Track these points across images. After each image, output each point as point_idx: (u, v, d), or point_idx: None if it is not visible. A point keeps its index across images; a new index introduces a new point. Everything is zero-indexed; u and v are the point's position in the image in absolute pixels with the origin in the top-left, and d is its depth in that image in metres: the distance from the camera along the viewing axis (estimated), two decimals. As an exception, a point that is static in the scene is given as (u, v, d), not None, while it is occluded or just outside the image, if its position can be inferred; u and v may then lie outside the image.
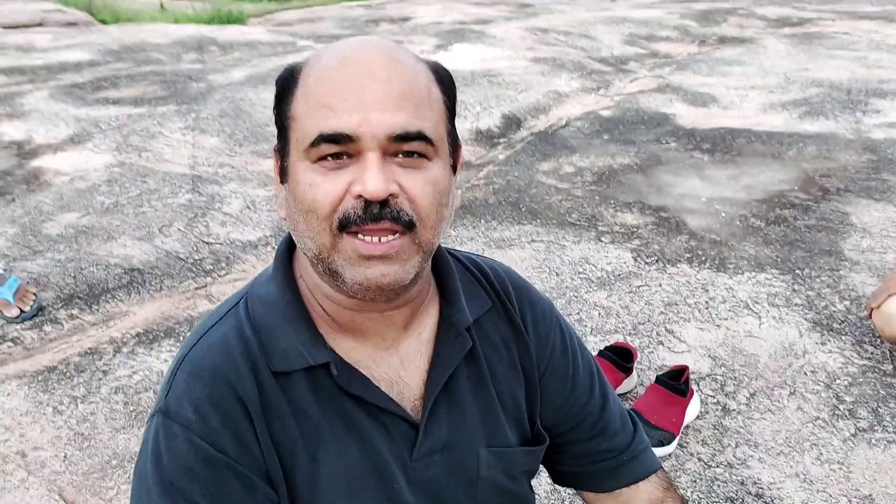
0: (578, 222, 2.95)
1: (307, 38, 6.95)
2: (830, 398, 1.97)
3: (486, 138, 3.98)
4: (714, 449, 1.82)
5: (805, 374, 2.06)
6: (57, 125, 3.92)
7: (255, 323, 0.82)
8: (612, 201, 3.14)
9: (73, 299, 2.44)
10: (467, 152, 3.82)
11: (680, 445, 1.83)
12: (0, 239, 2.70)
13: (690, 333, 2.25)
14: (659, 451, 1.75)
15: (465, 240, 2.79)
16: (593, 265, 2.61)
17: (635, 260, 2.65)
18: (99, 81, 4.78)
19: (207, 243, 2.79)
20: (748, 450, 1.81)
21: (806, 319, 2.29)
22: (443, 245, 0.88)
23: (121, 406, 1.96)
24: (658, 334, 2.24)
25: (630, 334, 2.24)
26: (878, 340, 2.17)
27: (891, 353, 2.12)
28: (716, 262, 2.64)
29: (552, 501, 1.66)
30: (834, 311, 2.33)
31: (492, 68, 5.06)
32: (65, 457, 1.79)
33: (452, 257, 0.94)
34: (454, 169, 0.81)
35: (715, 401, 1.97)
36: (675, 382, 1.87)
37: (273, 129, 0.84)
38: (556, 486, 1.68)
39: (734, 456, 1.79)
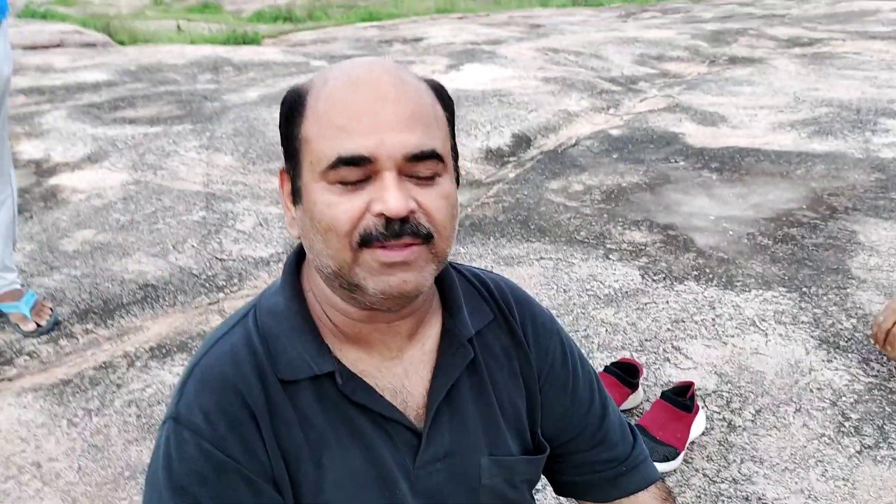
0: (587, 240, 2.98)
1: (321, 58, 7.04)
2: (836, 415, 1.98)
3: (496, 157, 4.02)
4: (719, 465, 1.83)
5: (811, 391, 2.07)
6: (75, 144, 4.00)
7: (263, 333, 0.85)
8: (620, 219, 3.17)
9: (88, 314, 2.49)
10: (477, 171, 3.86)
11: (685, 461, 1.84)
12: (18, 255, 2.75)
13: (697, 350, 2.26)
14: (664, 467, 1.77)
15: (475, 257, 2.82)
16: (601, 282, 2.63)
17: (643, 277, 2.67)
18: (116, 101, 4.87)
19: (220, 260, 2.84)
20: (753, 466, 1.82)
21: (812, 337, 2.30)
22: (451, 262, 0.92)
23: (134, 419, 1.99)
24: (665, 351, 2.26)
25: (637, 351, 2.25)
26: (885, 358, 2.17)
27: (897, 370, 2.13)
28: (723, 279, 2.65)
29: (557, 515, 1.68)
30: (840, 329, 2.34)
31: (502, 88, 5.11)
32: (79, 468, 1.82)
33: (455, 271, 0.97)
34: (457, 178, 0.84)
35: (721, 417, 1.99)
36: (681, 398, 1.88)
37: (283, 149, 0.87)
38: (563, 501, 1.70)
39: (739, 472, 1.80)
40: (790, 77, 5.79)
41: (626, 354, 2.22)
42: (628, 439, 1.06)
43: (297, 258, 0.89)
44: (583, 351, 2.21)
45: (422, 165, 0.75)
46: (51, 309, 2.45)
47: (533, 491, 1.02)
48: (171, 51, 7.20)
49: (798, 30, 8.59)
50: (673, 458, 1.79)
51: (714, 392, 2.08)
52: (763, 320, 2.40)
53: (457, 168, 0.84)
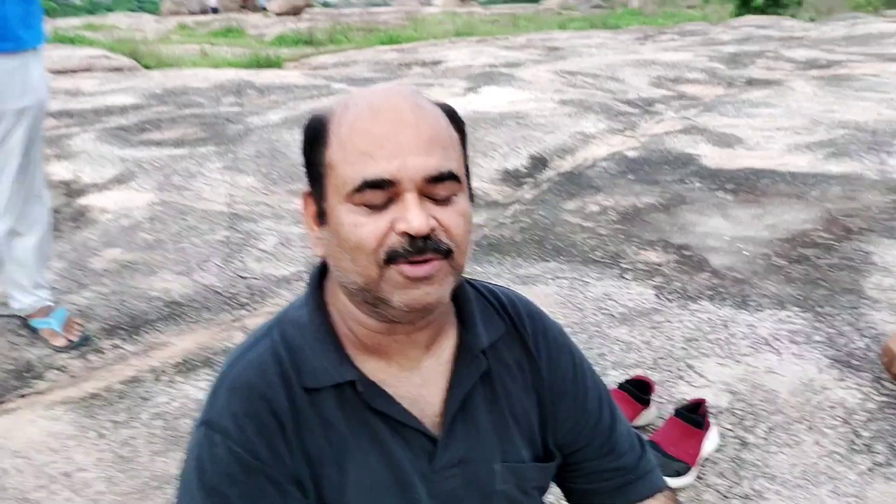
0: (602, 260, 3.02)
1: (341, 81, 7.17)
2: (848, 433, 2.00)
3: (513, 178, 4.08)
4: (732, 481, 1.86)
5: (823, 409, 2.10)
6: (103, 165, 4.11)
7: (288, 344, 0.90)
8: (635, 239, 3.21)
9: (116, 330, 2.57)
10: (495, 191, 3.92)
11: (698, 477, 1.87)
12: (49, 273, 2.84)
13: (711, 369, 2.29)
14: (676, 482, 1.80)
15: (492, 276, 2.88)
16: (615, 301, 2.67)
17: (657, 296, 2.71)
18: (143, 124, 5.00)
19: (243, 278, 2.91)
20: (765, 482, 1.85)
21: (826, 356, 2.33)
22: (466, 278, 0.98)
23: (160, 431, 2.05)
24: (678, 369, 2.29)
25: (650, 368, 2.29)
26: (898, 377, 2.19)
27: (910, 389, 2.15)
28: (737, 299, 2.68)
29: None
30: (854, 349, 2.36)
31: (520, 110, 5.19)
32: (107, 478, 1.89)
33: (470, 286, 1.02)
34: (471, 195, 0.90)
35: (733, 434, 2.01)
36: (693, 415, 1.92)
37: (305, 170, 0.94)
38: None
39: (751, 488, 1.83)
40: (807, 99, 5.82)
41: (639, 372, 2.26)
42: (636, 449, 1.10)
43: (320, 274, 0.94)
44: (597, 368, 2.24)
45: (440, 186, 0.80)
46: (80, 325, 2.53)
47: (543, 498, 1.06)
48: (195, 74, 7.36)
49: (816, 52, 8.61)
50: (685, 474, 1.82)
51: (727, 410, 2.11)
52: (777, 339, 2.42)
53: (470, 186, 0.90)
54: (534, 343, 1.02)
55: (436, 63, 8.69)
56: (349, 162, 0.80)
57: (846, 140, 4.49)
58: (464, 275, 1.00)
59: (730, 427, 2.04)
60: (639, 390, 2.04)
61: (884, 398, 2.13)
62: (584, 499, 1.11)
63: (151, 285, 2.84)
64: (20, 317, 2.53)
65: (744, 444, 1.98)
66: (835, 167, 4.03)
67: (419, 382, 0.93)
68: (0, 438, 2.04)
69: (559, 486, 1.11)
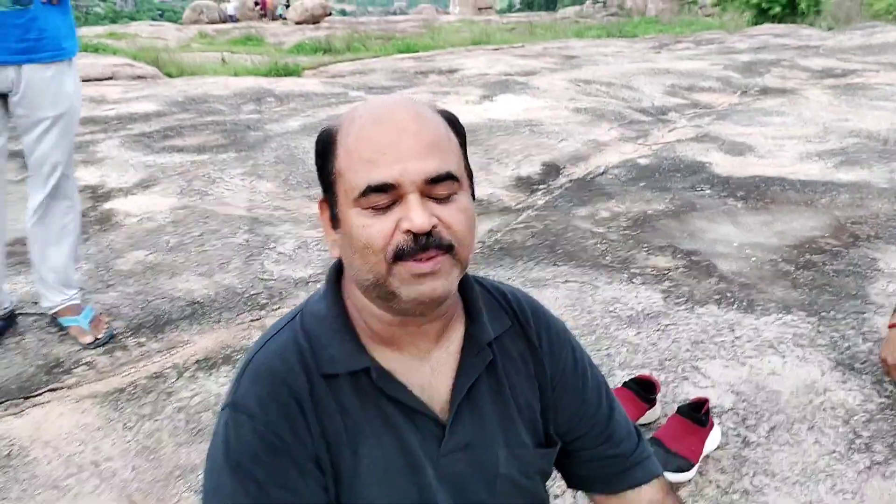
0: (612, 264, 3.09)
1: (359, 89, 7.28)
2: (848, 433, 2.05)
3: (526, 184, 4.16)
4: (732, 477, 1.92)
5: (825, 410, 2.15)
6: (127, 171, 4.23)
7: (308, 334, 0.98)
8: (645, 245, 3.28)
9: (140, 328, 2.67)
10: (508, 197, 4.00)
11: (700, 473, 1.93)
12: (77, 273, 2.95)
13: (715, 370, 2.35)
14: (678, 477, 1.86)
15: (503, 279, 2.95)
16: (624, 304, 2.74)
17: (665, 300, 2.77)
18: (165, 131, 5.13)
19: (262, 279, 3.01)
20: (765, 479, 1.91)
21: (829, 359, 2.38)
22: (470, 274, 1.05)
23: (183, 424, 2.15)
24: (683, 370, 2.35)
25: (656, 369, 2.35)
26: (899, 380, 2.24)
27: (910, 391, 2.20)
28: (744, 303, 2.74)
29: (575, 519, 1.79)
30: (857, 352, 2.41)
31: (534, 118, 5.27)
32: (133, 467, 1.98)
33: (478, 283, 1.10)
34: (473, 193, 0.97)
35: (736, 433, 2.07)
36: (696, 413, 1.98)
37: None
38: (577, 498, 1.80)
39: (751, 484, 1.89)
40: (821, 108, 5.85)
41: (645, 373, 2.32)
42: (633, 438, 1.16)
43: (337, 271, 1.02)
44: (604, 369, 2.33)
45: (440, 187, 0.88)
46: (107, 323, 2.63)
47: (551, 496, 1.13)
48: (216, 82, 7.51)
49: (832, 61, 8.63)
50: (687, 470, 1.89)
51: (730, 409, 2.17)
52: (781, 343, 2.48)
53: (472, 185, 0.97)
54: (537, 337, 1.09)
55: (452, 71, 8.79)
56: (355, 169, 0.88)
57: (857, 149, 4.53)
58: (474, 275, 1.09)
59: (732, 426, 2.10)
60: (644, 389, 2.11)
61: (884, 399, 2.18)
62: (582, 484, 1.18)
63: (174, 286, 2.94)
64: (50, 315, 2.64)
65: (745, 442, 2.04)
66: (845, 175, 4.08)
67: (429, 371, 1.00)
68: (31, 430, 2.15)
69: (560, 472, 1.17)
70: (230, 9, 25.48)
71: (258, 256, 3.19)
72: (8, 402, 2.28)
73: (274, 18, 25.31)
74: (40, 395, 2.33)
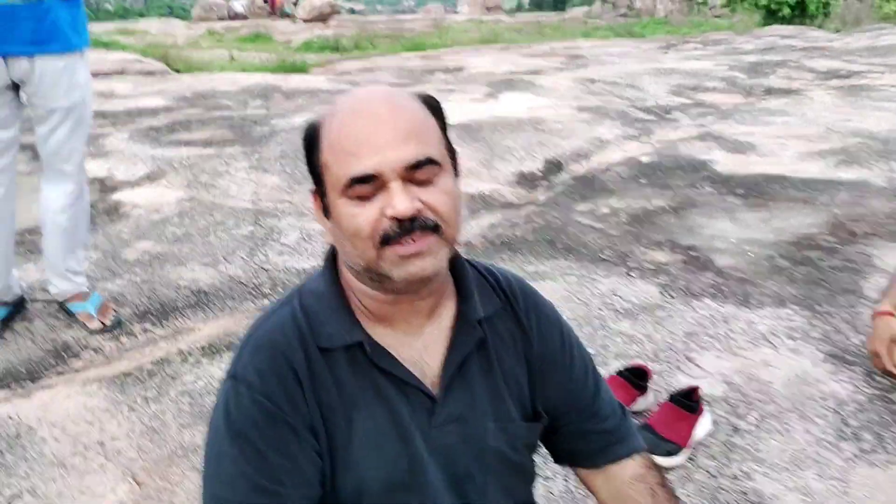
0: (610, 259, 3.13)
1: (365, 86, 7.32)
2: (837, 422, 2.10)
3: (528, 181, 4.21)
4: (721, 463, 1.96)
5: (815, 400, 2.19)
6: (135, 164, 4.30)
7: (306, 310, 1.03)
8: (644, 240, 3.32)
9: (146, 315, 2.73)
10: (510, 193, 4.05)
11: (690, 458, 1.97)
12: (85, 263, 3.01)
13: (709, 361, 2.39)
14: (667, 461, 1.91)
15: (503, 272, 2.99)
16: (621, 297, 2.78)
17: (661, 294, 2.82)
18: (173, 125, 5.20)
19: (266, 270, 3.07)
20: (754, 465, 1.95)
21: (821, 351, 2.42)
22: (467, 258, 1.10)
23: (187, 406, 2.20)
24: (678, 360, 2.40)
25: (651, 360, 2.39)
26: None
27: (900, 383, 2.24)
28: (739, 297, 2.78)
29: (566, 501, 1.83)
30: (849, 345, 2.45)
31: (538, 116, 5.31)
32: (138, 447, 2.04)
33: (471, 265, 1.14)
34: (457, 172, 1.01)
35: (726, 421, 2.12)
36: (687, 401, 2.03)
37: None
38: (570, 488, 1.85)
39: (740, 470, 1.93)
40: (825, 108, 5.87)
41: (639, 362, 2.36)
42: (618, 414, 1.21)
43: (334, 253, 1.07)
44: (599, 359, 2.38)
45: (421, 172, 0.92)
46: (114, 310, 2.69)
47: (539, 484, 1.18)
48: (223, 78, 7.57)
49: (838, 62, 8.63)
50: (676, 454, 1.93)
51: (722, 398, 2.21)
52: (774, 335, 2.52)
53: (455, 164, 1.01)
54: (526, 317, 1.13)
55: (458, 69, 8.84)
56: (338, 162, 0.93)
57: (858, 148, 4.56)
58: (468, 258, 1.13)
59: (723, 414, 2.14)
60: (637, 378, 2.16)
61: (874, 391, 2.22)
62: (568, 458, 1.22)
63: (180, 275, 3.00)
64: (59, 301, 2.70)
65: (736, 429, 2.08)
66: (844, 174, 4.11)
67: (421, 347, 1.05)
68: (39, 411, 2.21)
69: (547, 447, 1.22)
70: (238, 6, 25.59)
71: (262, 247, 3.25)
72: (17, 385, 2.34)
73: (282, 16, 25.40)
74: (48, 378, 2.39)
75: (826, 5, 18.61)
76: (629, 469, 1.18)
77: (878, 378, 2.27)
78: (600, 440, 1.18)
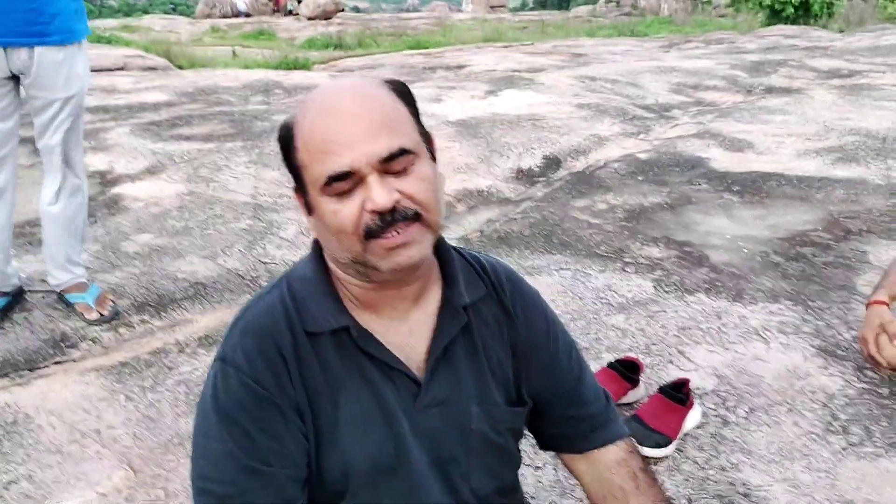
0: (606, 254, 3.15)
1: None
2: (826, 415, 2.11)
3: (526, 177, 4.23)
4: (710, 454, 1.98)
5: (805, 393, 2.21)
6: (136, 158, 4.32)
7: (294, 295, 1.05)
8: (640, 236, 3.34)
9: (144, 307, 2.75)
10: (508, 189, 4.07)
11: (678, 450, 1.99)
12: (85, 254, 3.03)
13: (700, 355, 2.41)
14: (656, 452, 1.93)
15: (498, 266, 3.01)
16: (615, 292, 2.80)
17: (656, 288, 2.84)
18: (174, 120, 5.22)
19: (264, 263, 3.09)
20: (742, 457, 1.97)
21: (812, 346, 2.44)
22: (452, 244, 1.12)
23: (183, 396, 2.23)
24: (669, 354, 2.42)
25: (643, 353, 2.41)
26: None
27: (889, 378, 2.25)
28: (732, 292, 2.80)
29: (555, 490, 1.85)
30: (840, 340, 2.47)
31: (537, 113, 5.33)
32: (134, 435, 2.06)
33: (458, 252, 1.16)
34: (433, 156, 1.02)
35: (716, 413, 2.14)
36: (677, 393, 2.05)
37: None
38: (560, 478, 1.87)
39: (728, 461, 1.95)
40: (824, 107, 5.88)
41: (631, 355, 2.38)
42: (601, 400, 1.23)
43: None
44: (591, 352, 2.39)
45: (395, 163, 0.93)
46: (112, 301, 2.71)
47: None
48: (226, 74, 7.60)
49: (839, 62, 8.64)
50: (665, 445, 1.95)
51: (712, 391, 2.23)
52: (766, 330, 2.54)
53: (431, 149, 1.02)
54: (511, 303, 1.16)
55: (460, 67, 8.86)
56: (314, 161, 0.95)
57: (856, 146, 4.57)
58: (455, 245, 1.15)
59: (713, 406, 2.16)
60: (628, 370, 2.17)
61: (864, 385, 2.24)
62: (552, 443, 1.24)
63: (178, 268, 3.03)
64: (57, 292, 2.73)
65: (725, 422, 2.10)
66: (841, 172, 4.12)
67: (406, 332, 1.07)
68: (37, 399, 2.23)
69: (532, 432, 1.24)
70: (241, 4, 25.61)
71: (260, 241, 3.27)
72: (15, 374, 2.37)
73: (286, 14, 25.43)
74: (46, 367, 2.41)
75: (830, 5, 18.59)
76: (612, 454, 1.20)
77: (867, 372, 2.29)
78: (583, 425, 1.20)
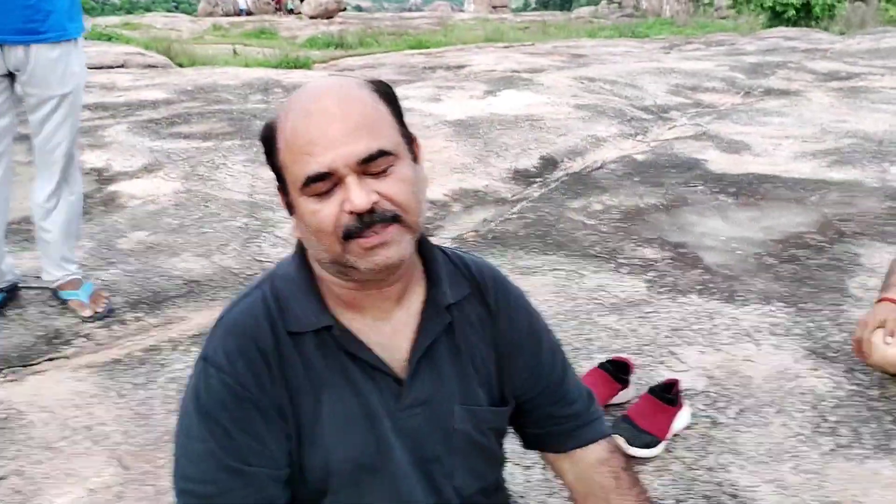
0: (600, 255, 3.16)
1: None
2: (815, 417, 2.12)
3: (523, 177, 4.24)
4: (698, 455, 1.98)
5: (794, 395, 2.21)
6: (133, 155, 4.33)
7: (277, 294, 1.05)
8: (634, 237, 3.34)
9: (138, 304, 2.76)
10: (504, 189, 4.08)
11: (667, 450, 2.00)
12: (80, 251, 3.04)
13: (691, 356, 2.42)
14: (645, 452, 1.93)
15: (492, 266, 3.02)
16: (608, 292, 2.81)
17: (649, 289, 2.84)
18: (173, 118, 5.23)
19: (259, 261, 3.10)
20: (730, 457, 1.97)
21: (803, 347, 2.44)
22: (437, 244, 1.13)
23: (175, 393, 2.23)
24: (661, 355, 2.42)
25: (634, 354, 2.41)
26: (870, 368, 2.30)
27: (879, 380, 2.26)
28: (725, 294, 2.81)
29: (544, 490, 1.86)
30: (830, 342, 2.48)
31: (535, 113, 5.33)
32: (125, 431, 2.07)
33: (442, 252, 1.17)
34: (416, 157, 1.02)
35: (705, 414, 2.14)
36: (666, 394, 2.05)
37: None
38: (549, 477, 1.88)
39: (716, 462, 1.96)
40: (822, 109, 5.89)
41: (622, 355, 2.39)
42: (584, 400, 1.24)
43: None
44: (583, 352, 2.40)
45: (374, 164, 0.94)
46: (106, 298, 2.72)
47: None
48: (226, 72, 7.61)
49: (838, 64, 8.65)
50: (654, 446, 1.95)
51: (702, 392, 2.23)
52: (758, 331, 2.54)
53: (413, 150, 1.02)
54: (494, 303, 1.16)
55: (460, 67, 8.86)
56: (294, 161, 0.95)
57: (852, 149, 4.58)
58: (440, 245, 1.16)
59: (702, 407, 2.16)
60: (618, 370, 2.18)
61: (854, 387, 2.24)
62: (537, 442, 1.25)
63: (173, 265, 3.04)
64: (51, 288, 2.74)
65: (714, 423, 2.11)
66: (836, 174, 4.13)
67: (389, 332, 1.07)
68: (29, 395, 2.24)
69: (517, 431, 1.25)
70: (243, 2, 25.63)
71: (256, 239, 3.28)
72: (8, 370, 2.38)
73: (288, 12, 25.44)
74: (39, 363, 2.42)
75: (831, 8, 18.59)
76: (594, 453, 1.21)
77: (857, 374, 2.29)
78: (566, 424, 1.21)
